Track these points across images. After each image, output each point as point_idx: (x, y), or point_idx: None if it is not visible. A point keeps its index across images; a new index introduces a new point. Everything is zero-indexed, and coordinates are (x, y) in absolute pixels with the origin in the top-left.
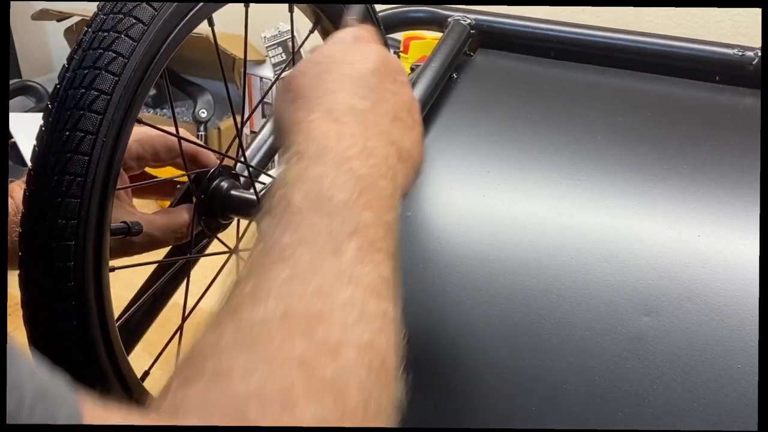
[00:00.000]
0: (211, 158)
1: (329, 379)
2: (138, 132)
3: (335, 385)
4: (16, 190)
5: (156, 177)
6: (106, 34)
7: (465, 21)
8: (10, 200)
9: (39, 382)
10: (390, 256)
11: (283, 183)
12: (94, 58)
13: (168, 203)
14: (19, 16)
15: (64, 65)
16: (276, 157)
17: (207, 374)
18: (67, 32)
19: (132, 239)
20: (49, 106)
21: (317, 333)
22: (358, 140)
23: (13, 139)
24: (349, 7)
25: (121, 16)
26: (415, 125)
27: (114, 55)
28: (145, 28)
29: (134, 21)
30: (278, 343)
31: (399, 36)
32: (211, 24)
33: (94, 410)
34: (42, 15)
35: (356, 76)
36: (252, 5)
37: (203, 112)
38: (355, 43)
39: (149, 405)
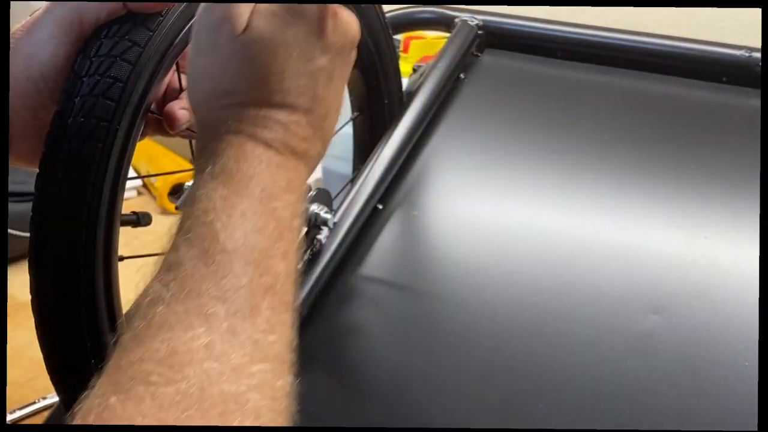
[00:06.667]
0: None
1: None
2: None
3: None
4: None
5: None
6: None
7: (473, 22)
8: None
9: None
10: (293, 311)
11: (209, 205)
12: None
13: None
14: (19, 16)
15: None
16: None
17: None
18: None
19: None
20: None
21: (232, 416)
22: (284, 173)
23: None
24: None
25: None
26: (343, 77)
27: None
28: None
29: None
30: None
31: (399, 36)
32: None
33: None
34: None
35: (305, 81)
36: None
37: None
38: (316, 23)
39: None
